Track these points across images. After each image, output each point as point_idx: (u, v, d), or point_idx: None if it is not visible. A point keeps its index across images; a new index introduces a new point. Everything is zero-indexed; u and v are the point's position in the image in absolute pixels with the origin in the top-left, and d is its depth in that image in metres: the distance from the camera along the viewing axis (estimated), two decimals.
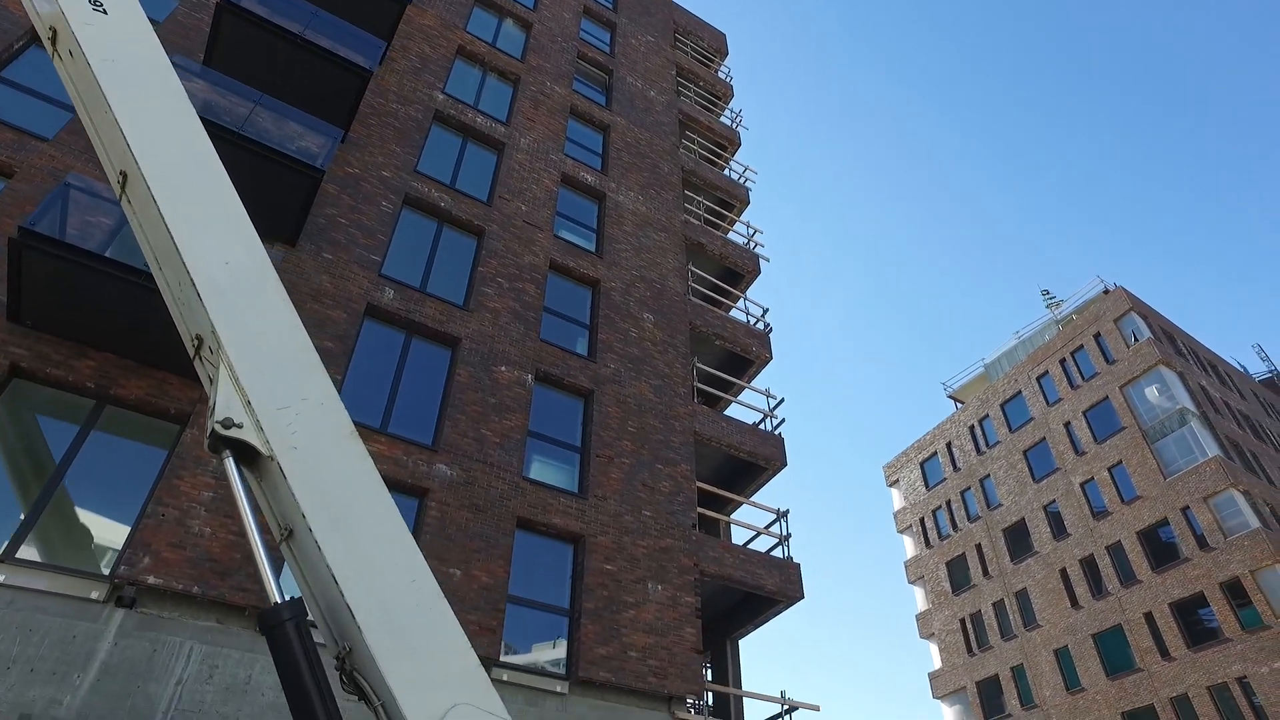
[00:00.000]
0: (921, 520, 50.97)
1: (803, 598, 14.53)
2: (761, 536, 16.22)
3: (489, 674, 10.46)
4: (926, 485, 51.59)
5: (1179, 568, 36.46)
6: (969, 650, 45.03)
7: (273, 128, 12.63)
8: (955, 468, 49.97)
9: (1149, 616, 37.00)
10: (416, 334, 13.28)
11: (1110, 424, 41.78)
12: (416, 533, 11.01)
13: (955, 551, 47.85)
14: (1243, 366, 55.66)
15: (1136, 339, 42.27)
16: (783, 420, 16.76)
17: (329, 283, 12.56)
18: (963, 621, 45.90)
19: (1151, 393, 40.57)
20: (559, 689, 10.78)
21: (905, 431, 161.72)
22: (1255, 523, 34.72)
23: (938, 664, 46.79)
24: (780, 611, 15.15)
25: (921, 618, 48.69)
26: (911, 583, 50.26)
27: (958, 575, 47.42)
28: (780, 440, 16.16)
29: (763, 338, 17.95)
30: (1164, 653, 35.94)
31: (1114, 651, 38.13)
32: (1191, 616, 35.53)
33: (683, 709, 11.83)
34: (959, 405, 52.50)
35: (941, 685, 45.98)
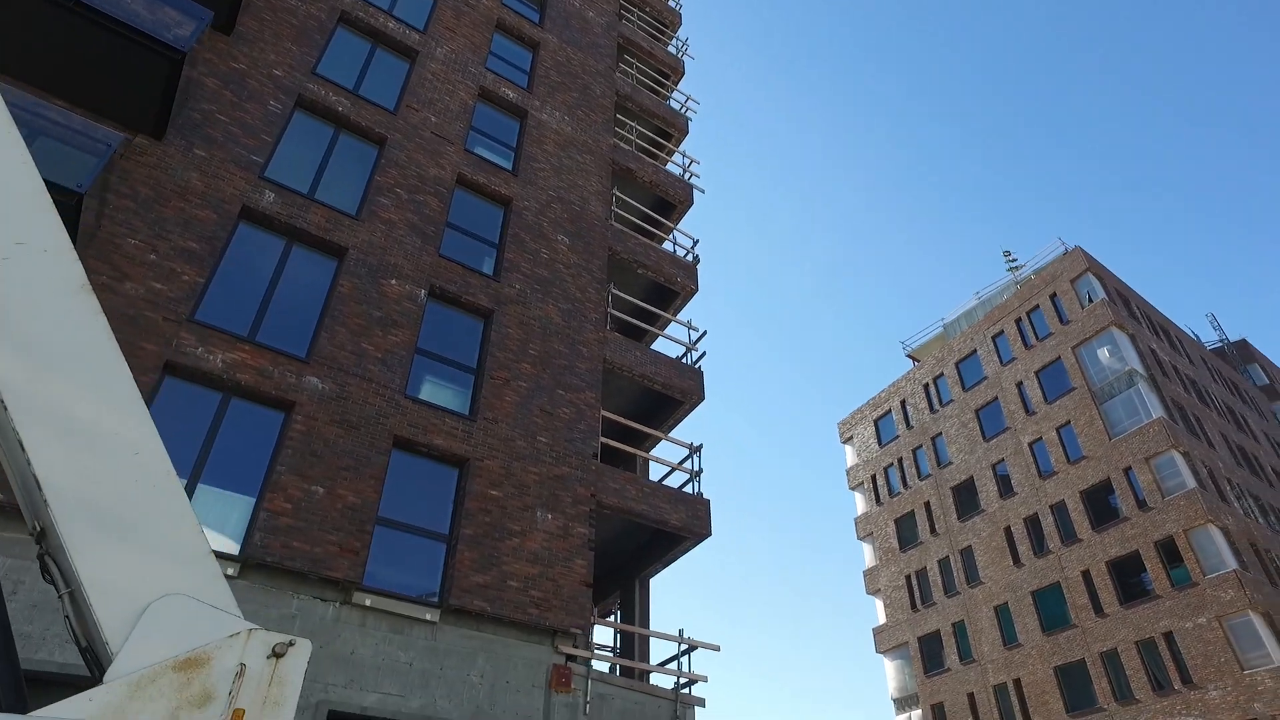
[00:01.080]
0: (873, 477, 51.07)
1: (709, 534, 13.98)
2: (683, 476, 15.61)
3: (349, 598, 9.57)
4: (879, 442, 51.61)
5: (1118, 527, 36.76)
6: (913, 606, 45.42)
7: (146, 13, 11.49)
8: (908, 425, 49.98)
9: (1086, 575, 37.36)
10: (298, 241, 12.30)
11: (1061, 384, 41.81)
12: (279, 447, 10.20)
13: (904, 509, 48.03)
14: (1196, 335, 56.14)
15: (1091, 300, 42.15)
16: (703, 354, 16.06)
17: (199, 180, 11.52)
18: (908, 578, 46.23)
19: (1103, 354, 40.56)
20: (428, 617, 10.11)
21: (866, 390, 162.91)
22: (1192, 483, 34.99)
23: (882, 620, 47.22)
24: (688, 549, 14.61)
25: (869, 574, 49.00)
26: (860, 539, 50.50)
27: (906, 532, 47.66)
28: (699, 374, 15.45)
29: (689, 268, 17.16)
30: (1098, 609, 36.36)
31: (1051, 608, 38.56)
32: (1126, 574, 35.91)
33: (567, 643, 11.24)
34: (916, 364, 52.34)
35: (885, 640, 46.44)
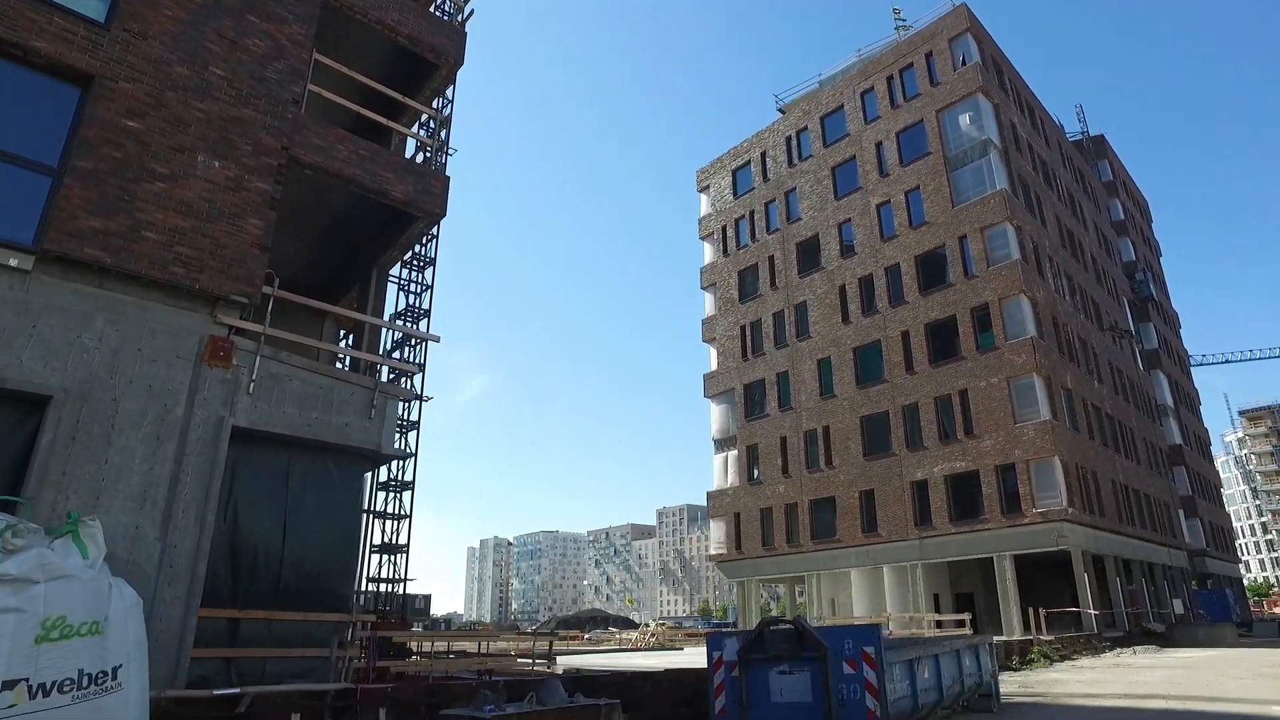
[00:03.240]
0: (724, 228, 50.38)
1: (443, 214, 12.15)
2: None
3: None
4: (735, 194, 50.42)
5: (942, 292, 37.82)
6: (744, 355, 46.76)
7: None
8: (765, 179, 48.73)
9: (906, 335, 38.85)
10: None
11: (919, 148, 40.96)
12: None
13: (749, 261, 48.01)
14: (1061, 123, 56.13)
15: (965, 63, 40.36)
16: (472, 13, 13.28)
17: None
18: (743, 329, 47.18)
19: (964, 120, 39.55)
20: (14, 263, 7.95)
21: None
22: (1017, 255, 35.86)
23: (714, 367, 48.65)
24: (421, 230, 12.81)
25: (707, 323, 49.75)
26: (704, 289, 50.68)
27: (747, 285, 48.00)
28: (459, 32, 12.80)
29: None
30: (909, 368, 38.24)
31: (869, 364, 40.34)
32: (941, 337, 37.49)
33: (232, 314, 9.44)
34: (782, 116, 50.11)
35: (714, 385, 48.15)
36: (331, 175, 10.73)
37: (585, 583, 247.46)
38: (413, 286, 19.23)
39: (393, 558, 19.33)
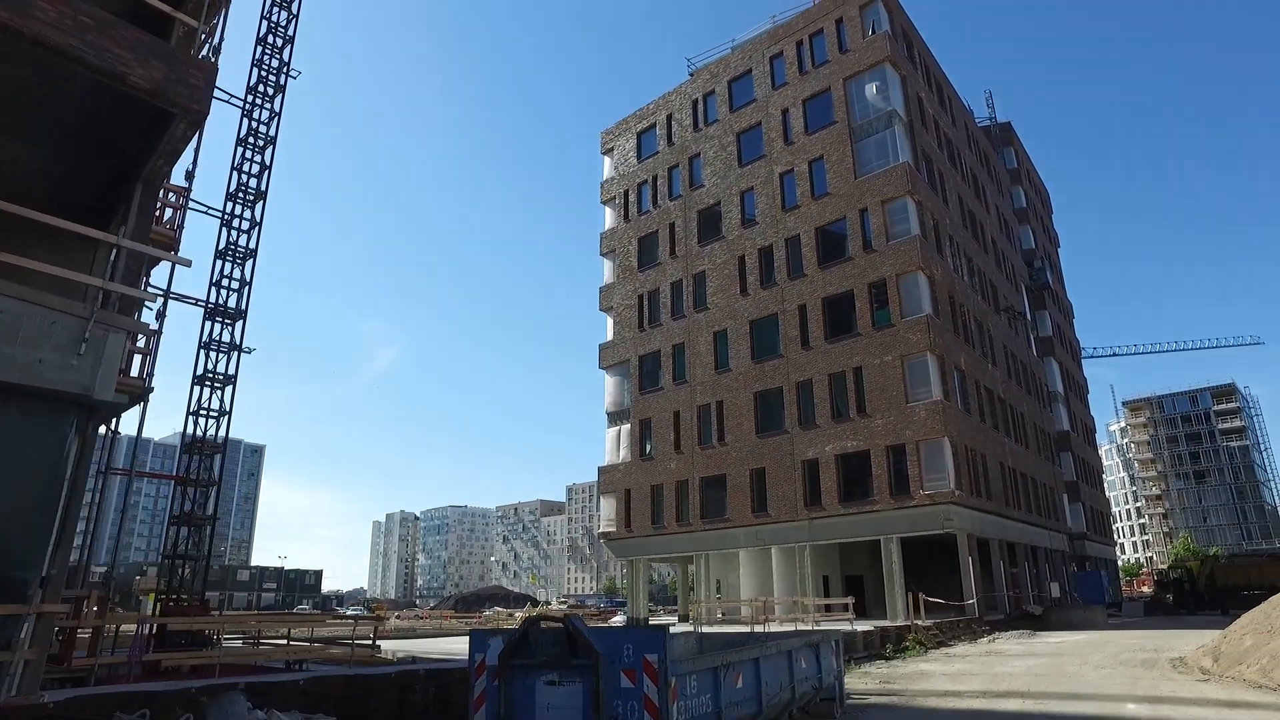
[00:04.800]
0: (626, 193, 48.25)
1: (204, 110, 9.60)
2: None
3: None
4: (639, 157, 48.29)
5: (841, 266, 36.64)
6: (640, 326, 44.91)
7: None
8: (670, 142, 46.74)
9: (803, 309, 37.59)
10: None
11: (825, 117, 39.60)
12: None
13: (650, 228, 46.06)
14: (971, 109, 55.94)
15: (875, 32, 39.10)
16: None
17: None
18: (641, 298, 45.29)
19: (870, 90, 38.30)
20: None
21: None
22: (917, 230, 34.91)
23: (609, 337, 46.66)
24: (184, 134, 10.22)
25: (604, 291, 47.65)
26: (603, 255, 48.52)
27: (647, 252, 46.07)
28: None
29: None
30: (805, 343, 37.01)
31: (765, 338, 38.99)
32: (838, 312, 36.34)
33: None
34: (691, 78, 48.10)
35: (609, 356, 46.17)
36: (33, 42, 8.07)
37: (493, 559, 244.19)
38: (248, 166, 16.55)
39: (193, 530, 16.65)
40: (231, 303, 17.32)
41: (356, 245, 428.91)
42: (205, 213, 17.65)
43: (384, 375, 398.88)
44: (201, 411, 16.33)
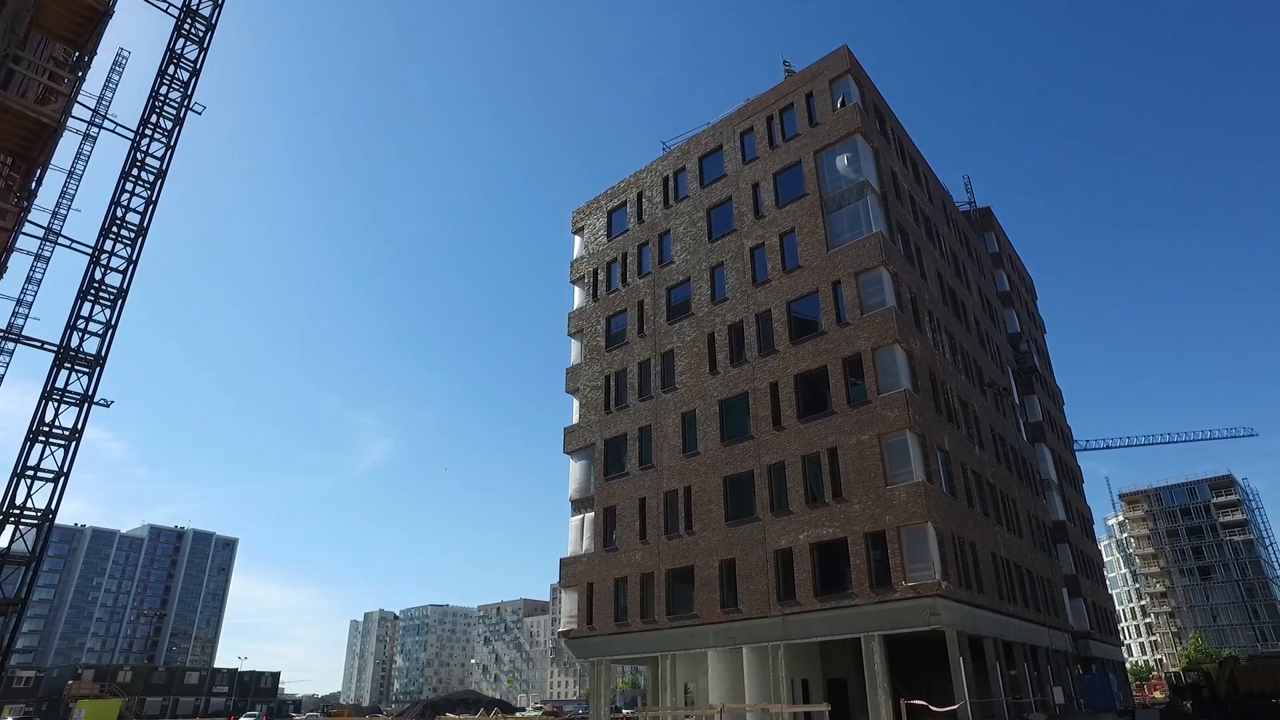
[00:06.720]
0: (595, 271, 46.66)
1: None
2: None
3: None
4: (609, 235, 46.92)
5: (814, 340, 34.59)
6: (606, 408, 42.51)
7: None
8: (640, 220, 45.45)
9: (774, 387, 35.32)
10: None
11: (795, 189, 38.35)
12: None
13: (619, 307, 44.23)
14: (949, 192, 55.32)
15: (846, 105, 38.30)
16: None
17: None
18: (608, 378, 43.04)
19: (841, 161, 37.18)
20: None
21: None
22: (893, 302, 33.03)
23: (575, 420, 44.17)
24: None
25: (571, 372, 45.42)
26: (571, 335, 46.52)
27: (615, 331, 44.10)
28: None
29: None
30: (777, 422, 34.58)
31: (735, 419, 36.57)
32: (811, 389, 34.07)
33: None
34: (662, 156, 47.26)
35: (574, 440, 43.55)
36: None
37: (473, 661, 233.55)
38: (127, 199, 14.68)
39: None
40: (90, 347, 14.92)
41: (358, 336, 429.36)
42: (70, 247, 15.49)
43: (375, 470, 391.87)
44: (28, 472, 13.78)
